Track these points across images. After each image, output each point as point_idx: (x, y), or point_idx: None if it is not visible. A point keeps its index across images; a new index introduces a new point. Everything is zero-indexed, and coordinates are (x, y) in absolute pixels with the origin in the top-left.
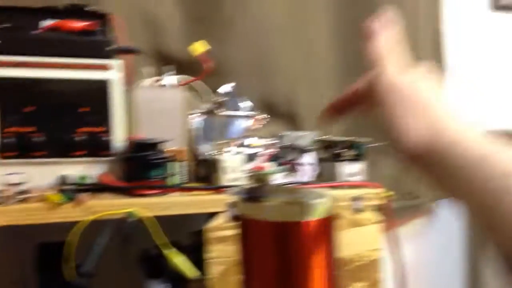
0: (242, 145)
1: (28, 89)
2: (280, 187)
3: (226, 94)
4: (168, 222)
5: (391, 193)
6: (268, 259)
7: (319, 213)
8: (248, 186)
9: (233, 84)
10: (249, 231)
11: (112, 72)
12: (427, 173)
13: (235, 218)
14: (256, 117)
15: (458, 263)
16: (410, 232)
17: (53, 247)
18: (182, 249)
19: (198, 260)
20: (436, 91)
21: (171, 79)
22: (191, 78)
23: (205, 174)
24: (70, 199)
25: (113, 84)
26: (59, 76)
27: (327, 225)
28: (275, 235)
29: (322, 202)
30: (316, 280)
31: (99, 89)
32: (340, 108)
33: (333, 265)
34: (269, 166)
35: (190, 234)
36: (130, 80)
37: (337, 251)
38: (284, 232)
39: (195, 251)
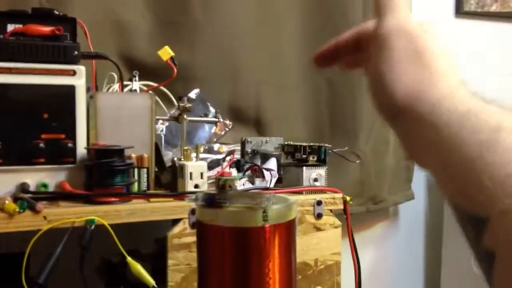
0: (207, 151)
1: None
2: (240, 193)
3: (192, 99)
4: (132, 229)
5: (349, 197)
6: (226, 265)
7: (280, 218)
8: (207, 192)
9: (198, 90)
10: (208, 237)
11: (78, 78)
12: (407, 132)
13: (194, 224)
14: (222, 122)
15: (420, 267)
16: (373, 236)
17: (9, 258)
18: (144, 257)
19: (160, 268)
20: (444, 44)
21: (137, 84)
22: (157, 83)
23: (169, 180)
24: (28, 207)
25: (78, 90)
26: (23, 82)
27: (288, 230)
28: (234, 241)
29: (283, 207)
30: (275, 281)
31: (64, 95)
32: (327, 57)
33: (293, 270)
34: (233, 172)
35: (155, 241)
36: (95, 85)
37: (295, 255)
38: (243, 237)
39: (158, 258)
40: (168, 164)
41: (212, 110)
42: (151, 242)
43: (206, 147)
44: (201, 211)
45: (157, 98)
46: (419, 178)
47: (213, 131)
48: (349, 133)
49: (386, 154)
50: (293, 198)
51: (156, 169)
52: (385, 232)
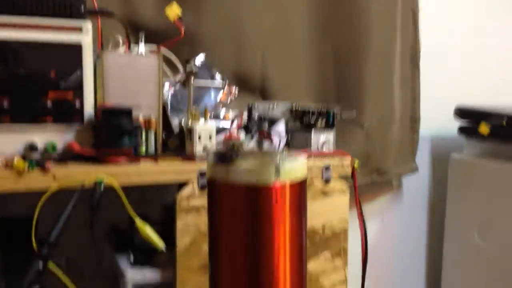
0: (214, 116)
1: None
2: (252, 151)
3: (198, 65)
4: (141, 197)
5: (357, 162)
6: (238, 223)
7: (291, 176)
8: (219, 149)
9: (203, 55)
10: (219, 194)
11: (85, 35)
12: None
13: (203, 186)
14: (228, 89)
15: (422, 239)
16: (377, 208)
17: (20, 222)
18: (153, 223)
19: (169, 234)
20: None
21: (143, 46)
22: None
23: (177, 146)
24: (37, 166)
25: (85, 48)
26: (28, 38)
27: (300, 188)
28: (246, 197)
29: (295, 165)
30: (286, 242)
31: (71, 53)
32: None
33: (303, 229)
34: (240, 136)
35: (163, 208)
36: (101, 45)
37: (306, 215)
38: (255, 194)
39: (167, 225)
40: (176, 131)
41: (217, 76)
42: (159, 209)
43: (212, 114)
44: (213, 168)
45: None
46: (424, 151)
47: (219, 98)
48: (355, 103)
49: (392, 126)
50: (304, 159)
51: (164, 135)
52: (389, 204)
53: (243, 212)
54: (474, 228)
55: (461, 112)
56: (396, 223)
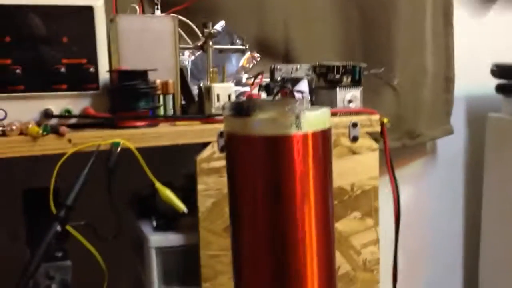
0: (235, 83)
1: (3, 17)
2: (271, 101)
3: (218, 32)
4: (162, 164)
5: (387, 119)
6: (259, 178)
7: (313, 126)
8: (235, 100)
9: (223, 22)
10: (238, 148)
11: None
12: None
13: (224, 148)
14: (250, 55)
15: (459, 205)
16: (410, 174)
17: (40, 192)
18: (175, 189)
19: (191, 199)
20: None
21: (158, 13)
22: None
23: (197, 112)
24: (52, 131)
25: (97, 11)
26: (38, 2)
27: (323, 139)
28: (266, 150)
29: (317, 114)
30: (310, 196)
31: (82, 17)
32: None
33: (329, 182)
34: (262, 95)
35: (184, 176)
36: (116, 10)
37: (331, 168)
38: (275, 146)
39: (188, 191)
40: (196, 99)
41: (239, 41)
42: (180, 178)
43: (234, 80)
44: (230, 121)
45: (181, 31)
46: (459, 112)
47: (240, 64)
48: (384, 63)
49: (424, 86)
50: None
51: (184, 102)
52: (423, 169)
53: (264, 165)
54: None
55: (498, 70)
56: (432, 188)
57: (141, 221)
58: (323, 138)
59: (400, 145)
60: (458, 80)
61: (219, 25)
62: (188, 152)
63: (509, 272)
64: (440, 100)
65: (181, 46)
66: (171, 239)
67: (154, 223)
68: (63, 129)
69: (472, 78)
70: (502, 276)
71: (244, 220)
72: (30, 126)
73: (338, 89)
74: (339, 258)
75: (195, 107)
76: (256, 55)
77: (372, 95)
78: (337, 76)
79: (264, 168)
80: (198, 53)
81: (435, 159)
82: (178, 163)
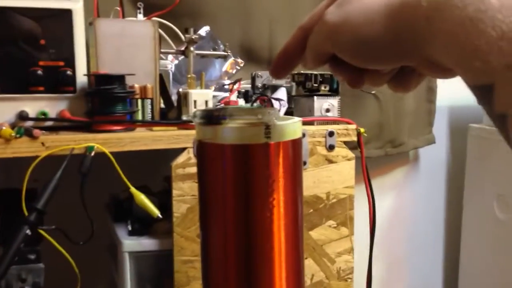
0: (217, 88)
1: None
2: (242, 108)
3: (202, 37)
4: (142, 168)
5: (363, 129)
6: (228, 186)
7: (284, 136)
8: (206, 108)
9: (208, 27)
10: (208, 156)
11: (75, 1)
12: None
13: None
14: (233, 61)
15: (440, 214)
16: (392, 182)
17: (13, 192)
18: (154, 194)
19: (168, 203)
20: None
21: (141, 17)
22: (162, 18)
23: (176, 116)
24: (26, 133)
25: (76, 14)
26: (17, 4)
27: (293, 148)
28: (236, 159)
29: (287, 124)
30: (279, 204)
31: (60, 20)
32: (284, 67)
33: (299, 193)
34: (239, 102)
35: (164, 179)
36: (97, 13)
37: (302, 177)
38: (245, 155)
39: (167, 195)
40: (175, 104)
41: (222, 47)
42: (161, 181)
43: (217, 86)
44: (200, 129)
45: (165, 34)
46: (441, 122)
47: (224, 69)
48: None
49: (407, 95)
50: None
51: (163, 106)
52: (405, 177)
53: (233, 173)
54: (493, 200)
55: None
56: (413, 197)
57: (117, 224)
58: (294, 148)
59: (383, 154)
60: (440, 90)
61: (204, 30)
62: (168, 157)
63: (487, 280)
64: (422, 110)
65: (163, 50)
66: (145, 244)
67: (129, 227)
68: (37, 132)
69: (455, 89)
70: (481, 283)
71: (213, 227)
72: (3, 128)
73: (315, 97)
74: (313, 266)
75: (174, 112)
76: (239, 60)
77: (354, 104)
78: (315, 85)
79: (233, 177)
80: (182, 57)
81: (417, 168)
82: (157, 167)
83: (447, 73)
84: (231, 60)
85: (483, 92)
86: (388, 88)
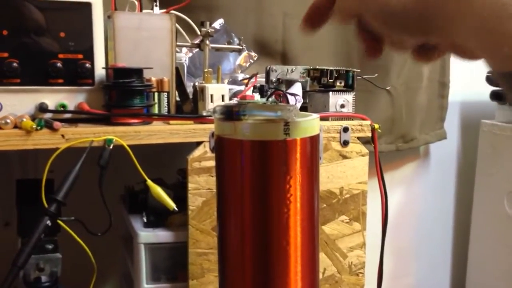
0: (231, 82)
1: (1, 10)
2: (261, 105)
3: (216, 30)
4: (156, 160)
5: (378, 125)
6: (246, 182)
7: (302, 132)
8: (225, 104)
9: (222, 20)
10: (227, 152)
11: None
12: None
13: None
14: (247, 54)
15: (450, 209)
16: (402, 177)
17: (33, 183)
18: (168, 186)
19: (183, 196)
20: None
21: (157, 11)
22: (178, 11)
23: (191, 109)
24: (46, 126)
25: (95, 8)
26: None
27: (311, 145)
28: (254, 155)
29: (306, 121)
30: (296, 200)
31: (80, 13)
32: (315, 19)
33: (315, 189)
34: (255, 96)
35: (178, 172)
36: (114, 6)
37: (318, 174)
38: (263, 151)
39: (181, 188)
40: (191, 96)
41: (236, 40)
42: (175, 173)
43: (230, 79)
44: (219, 125)
45: (179, 27)
46: (453, 117)
47: (237, 62)
48: (380, 67)
49: (419, 91)
50: (317, 116)
51: (178, 99)
52: (415, 172)
53: (251, 169)
54: (504, 196)
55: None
56: (423, 192)
57: (132, 216)
58: (311, 144)
59: (394, 149)
60: (453, 86)
61: (218, 23)
62: (181, 150)
63: (496, 275)
64: (434, 105)
65: (178, 43)
66: (161, 235)
67: (145, 219)
68: (57, 124)
69: (467, 85)
70: (489, 279)
71: (231, 221)
72: (24, 120)
73: (331, 93)
74: (325, 261)
75: (189, 105)
76: (253, 54)
77: (367, 99)
78: (330, 81)
79: (251, 172)
80: (196, 50)
81: (428, 163)
82: (170, 161)
83: (471, 56)
84: (245, 53)
85: (509, 79)
86: (398, 84)
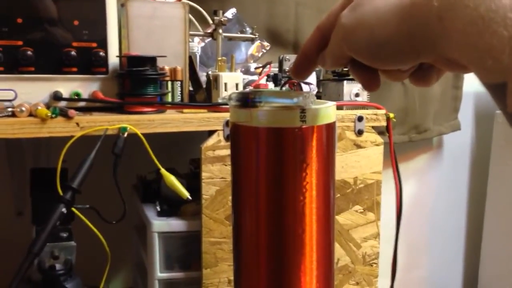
0: (243, 71)
1: None
2: (277, 92)
3: (228, 19)
4: (169, 150)
5: (393, 114)
6: (262, 170)
7: (319, 119)
8: (241, 91)
9: (234, 9)
10: (242, 139)
11: None
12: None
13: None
14: (259, 44)
15: (463, 201)
16: (415, 168)
17: (47, 172)
18: (180, 176)
19: (196, 186)
20: None
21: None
22: (190, 2)
23: (204, 98)
24: (61, 114)
25: None
26: None
27: (327, 133)
28: (270, 142)
29: (322, 108)
30: (312, 188)
31: (95, 1)
32: (304, 68)
33: (331, 177)
34: (269, 85)
35: (190, 161)
36: None
37: (334, 162)
38: (279, 139)
39: (194, 177)
40: (204, 85)
41: (249, 30)
42: (187, 163)
43: (243, 68)
44: (235, 112)
45: (192, 17)
46: (467, 108)
47: (250, 52)
48: None
49: None
50: (333, 103)
51: (191, 88)
52: (428, 163)
53: (267, 156)
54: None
55: None
56: (436, 183)
57: (145, 205)
58: (328, 132)
59: (407, 140)
60: (467, 76)
61: (230, 12)
62: (193, 139)
63: (509, 268)
64: (448, 96)
65: (191, 32)
66: (174, 224)
67: (158, 208)
68: (72, 112)
69: None
70: (502, 272)
71: (246, 209)
72: (39, 108)
73: (345, 82)
74: (339, 251)
75: (202, 94)
76: (265, 43)
77: (381, 89)
78: (345, 69)
79: (267, 160)
80: (208, 39)
81: (441, 155)
82: (182, 150)
83: (465, 69)
84: (257, 43)
85: (496, 90)
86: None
